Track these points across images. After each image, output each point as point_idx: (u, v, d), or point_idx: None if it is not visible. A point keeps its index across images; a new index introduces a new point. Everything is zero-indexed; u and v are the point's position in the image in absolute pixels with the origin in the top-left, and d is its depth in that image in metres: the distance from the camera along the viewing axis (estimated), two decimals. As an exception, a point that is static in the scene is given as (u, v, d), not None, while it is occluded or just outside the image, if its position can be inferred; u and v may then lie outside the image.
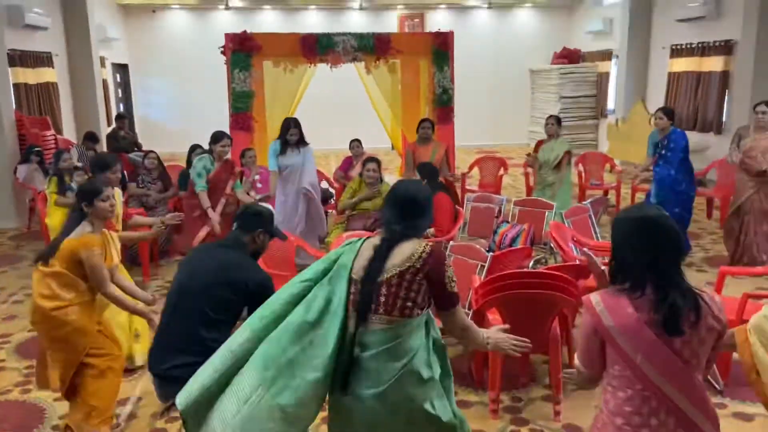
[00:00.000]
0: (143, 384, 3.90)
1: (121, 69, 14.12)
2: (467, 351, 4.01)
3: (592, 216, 5.25)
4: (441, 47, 7.64)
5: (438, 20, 14.54)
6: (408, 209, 2.26)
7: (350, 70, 8.04)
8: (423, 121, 6.91)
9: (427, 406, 2.17)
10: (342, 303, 2.16)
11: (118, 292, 3.19)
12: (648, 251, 1.86)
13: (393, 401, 2.13)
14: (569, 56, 14.01)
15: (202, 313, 2.65)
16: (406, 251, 2.18)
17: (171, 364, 2.64)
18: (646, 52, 11.74)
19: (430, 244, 2.23)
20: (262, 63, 7.40)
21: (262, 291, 2.59)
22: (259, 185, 6.93)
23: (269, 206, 3.91)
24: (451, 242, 4.56)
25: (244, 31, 7.30)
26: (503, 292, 3.39)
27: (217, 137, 5.48)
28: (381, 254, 2.18)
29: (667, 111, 6.12)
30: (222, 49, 7.34)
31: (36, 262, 3.15)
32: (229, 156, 5.62)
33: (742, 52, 8.83)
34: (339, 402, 2.22)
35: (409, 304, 2.14)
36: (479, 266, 4.00)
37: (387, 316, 2.14)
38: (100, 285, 3.09)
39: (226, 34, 7.32)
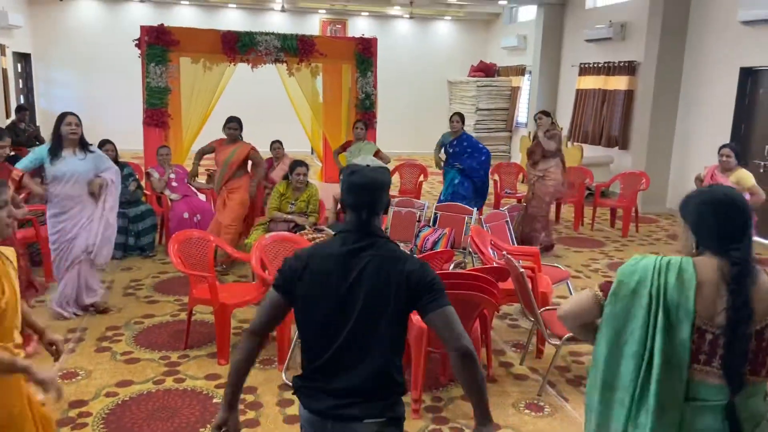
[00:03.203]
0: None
1: (23, 58, 13.20)
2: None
3: (509, 222, 5.45)
4: (364, 53, 7.71)
5: (360, 27, 14.65)
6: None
7: (271, 71, 7.93)
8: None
9: None
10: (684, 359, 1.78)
11: None
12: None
13: None
14: (485, 70, 14.51)
15: None
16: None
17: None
18: (556, 69, 12.38)
19: None
20: (180, 59, 7.17)
21: None
22: (174, 184, 6.69)
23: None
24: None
25: (162, 25, 7.05)
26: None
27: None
28: (743, 292, 1.75)
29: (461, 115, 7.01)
30: (137, 42, 7.04)
31: None
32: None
33: (644, 73, 9.47)
34: None
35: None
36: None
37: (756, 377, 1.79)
38: None
39: (142, 27, 7.03)
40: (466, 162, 6.81)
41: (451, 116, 7.05)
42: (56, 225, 4.56)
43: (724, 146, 5.58)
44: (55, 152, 4.47)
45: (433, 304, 1.89)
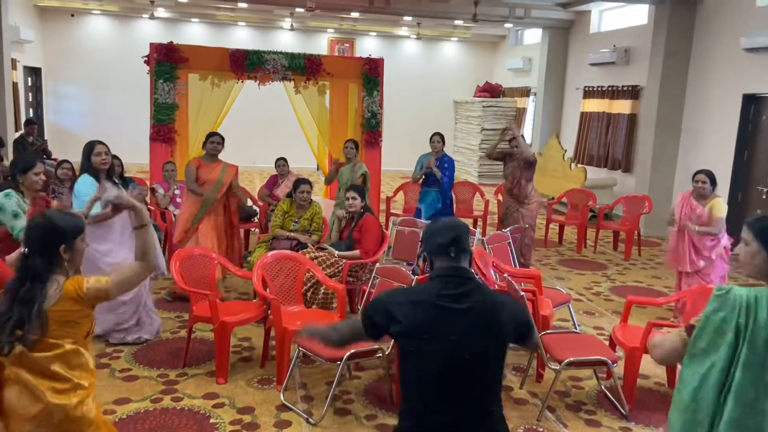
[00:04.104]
0: None
1: (34, 73, 13.37)
2: (388, 374, 4.03)
3: (511, 244, 5.46)
4: (371, 72, 7.78)
5: (368, 47, 14.80)
6: None
7: (278, 89, 8.01)
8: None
9: None
10: None
11: None
12: None
13: None
14: (491, 90, 14.61)
15: None
16: None
17: None
18: (561, 91, 12.46)
19: None
20: (188, 75, 7.25)
21: None
22: (179, 200, 6.73)
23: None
24: (377, 264, 4.59)
25: (171, 42, 7.13)
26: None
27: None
28: None
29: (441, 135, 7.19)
30: (146, 58, 7.13)
31: (9, 351, 2.19)
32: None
33: (647, 97, 9.52)
34: None
35: None
36: (403, 289, 4.04)
37: None
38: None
39: (152, 44, 7.12)
40: (445, 180, 7.04)
41: (432, 136, 7.16)
42: (105, 257, 4.30)
43: (699, 172, 5.35)
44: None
45: (530, 338, 2.24)
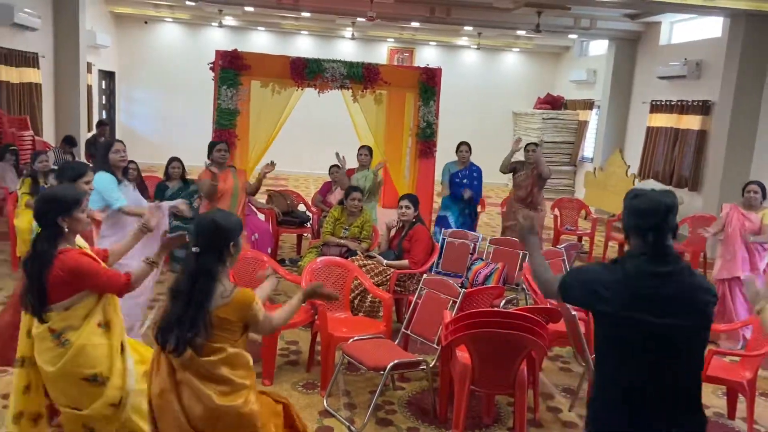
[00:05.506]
0: None
1: (108, 76, 14.03)
2: (431, 387, 3.97)
3: (566, 260, 5.30)
4: (428, 82, 7.75)
5: (427, 56, 14.80)
6: None
7: (336, 97, 8.09)
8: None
9: None
10: None
11: None
12: None
13: None
14: (552, 102, 14.32)
15: None
16: None
17: None
18: (626, 105, 12.07)
19: None
20: (250, 82, 7.42)
21: None
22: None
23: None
24: (425, 275, 4.55)
25: (235, 50, 7.32)
26: (473, 329, 3.37)
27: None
28: None
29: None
30: (211, 65, 7.35)
31: (182, 353, 2.30)
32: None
33: (718, 113, 9.10)
34: None
35: None
36: (451, 302, 3.99)
37: None
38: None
39: (217, 51, 7.33)
40: (475, 188, 6.99)
41: (460, 145, 7.11)
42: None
43: (751, 183, 5.56)
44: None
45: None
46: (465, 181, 6.97)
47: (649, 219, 2.02)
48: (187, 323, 2.23)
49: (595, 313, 2.08)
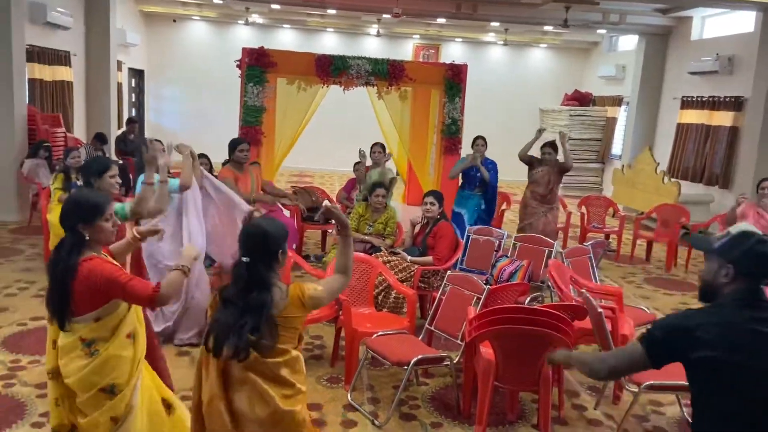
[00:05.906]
0: None
1: (137, 74, 14.26)
2: (455, 383, 3.96)
3: (593, 258, 5.24)
4: (454, 79, 7.72)
5: (453, 53, 14.73)
6: None
7: (361, 94, 8.11)
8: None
9: None
10: None
11: None
12: None
13: None
14: (580, 99, 14.14)
15: None
16: None
17: None
18: (656, 101, 11.86)
19: None
20: (276, 79, 7.48)
21: None
22: (262, 199, 6.94)
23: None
24: (449, 271, 4.54)
25: (261, 47, 7.39)
26: (498, 326, 3.36)
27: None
28: None
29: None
30: (238, 62, 7.42)
31: (245, 357, 2.28)
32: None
33: (751, 109, 8.90)
34: None
35: None
36: (475, 298, 3.97)
37: None
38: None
39: (244, 49, 7.41)
40: (491, 182, 6.85)
41: (476, 139, 6.94)
42: (167, 259, 4.38)
43: (765, 179, 5.36)
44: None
45: None
46: (479, 174, 6.86)
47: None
48: (246, 329, 2.23)
49: (697, 361, 1.95)
